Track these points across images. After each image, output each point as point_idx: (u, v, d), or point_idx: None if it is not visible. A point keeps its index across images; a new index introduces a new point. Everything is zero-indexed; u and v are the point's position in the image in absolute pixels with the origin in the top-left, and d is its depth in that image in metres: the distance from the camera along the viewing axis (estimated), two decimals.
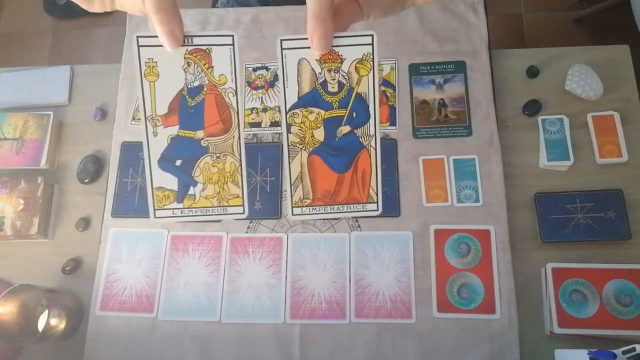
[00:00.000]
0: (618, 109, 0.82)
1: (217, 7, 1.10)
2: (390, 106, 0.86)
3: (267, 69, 0.90)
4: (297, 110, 0.40)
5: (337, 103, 0.40)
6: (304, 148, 0.40)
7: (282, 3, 0.94)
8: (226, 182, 0.41)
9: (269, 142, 0.85)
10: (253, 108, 0.88)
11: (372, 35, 0.39)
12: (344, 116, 0.40)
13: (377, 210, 0.41)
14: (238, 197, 0.41)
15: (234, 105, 0.40)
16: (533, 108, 0.84)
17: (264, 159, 0.84)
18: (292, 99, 0.39)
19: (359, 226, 0.80)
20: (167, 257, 0.80)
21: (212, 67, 0.39)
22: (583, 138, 0.82)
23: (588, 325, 0.69)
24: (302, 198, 0.40)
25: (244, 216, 0.41)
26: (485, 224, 0.78)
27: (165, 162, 0.40)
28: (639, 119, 0.82)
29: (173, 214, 0.41)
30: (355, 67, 0.39)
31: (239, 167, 0.40)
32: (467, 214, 0.79)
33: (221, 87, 0.40)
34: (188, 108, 0.40)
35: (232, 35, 0.40)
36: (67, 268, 0.81)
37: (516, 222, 0.79)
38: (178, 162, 0.40)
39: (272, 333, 0.75)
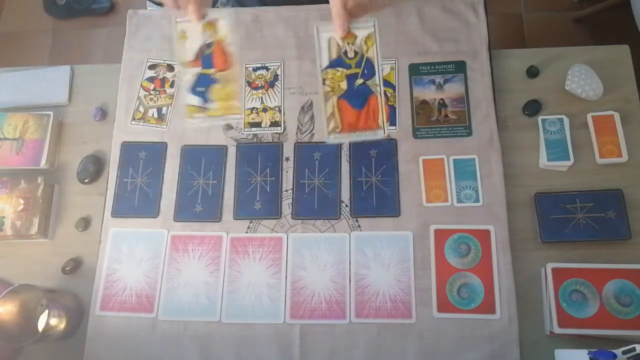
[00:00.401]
0: (618, 109, 0.82)
1: (217, 7, 1.10)
2: (390, 106, 0.86)
3: (267, 69, 0.90)
4: (329, 70, 0.62)
5: (354, 64, 0.62)
6: (334, 94, 0.62)
7: (282, 3, 0.94)
8: (230, 100, 0.65)
9: (269, 142, 0.85)
10: (253, 108, 0.87)
11: (375, 20, 0.61)
12: (359, 73, 0.62)
13: (383, 134, 0.62)
14: (238, 108, 0.65)
15: (233, 52, 0.65)
16: (533, 108, 0.84)
17: (264, 159, 0.84)
18: (325, 63, 0.62)
19: (359, 226, 0.80)
20: (167, 257, 0.80)
21: (218, 31, 0.65)
22: (583, 138, 0.82)
23: (588, 325, 0.69)
24: (334, 128, 0.62)
25: (240, 118, 0.72)
26: (485, 224, 0.78)
27: (194, 89, 0.66)
28: (639, 119, 0.83)
29: (199, 120, 0.66)
30: (365, 41, 0.61)
31: (239, 90, 0.64)
32: (467, 214, 0.79)
33: (224, 42, 0.65)
34: (206, 55, 0.65)
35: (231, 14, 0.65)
36: (67, 268, 0.81)
37: (516, 222, 0.79)
38: (201, 89, 0.65)
39: (272, 333, 0.75)
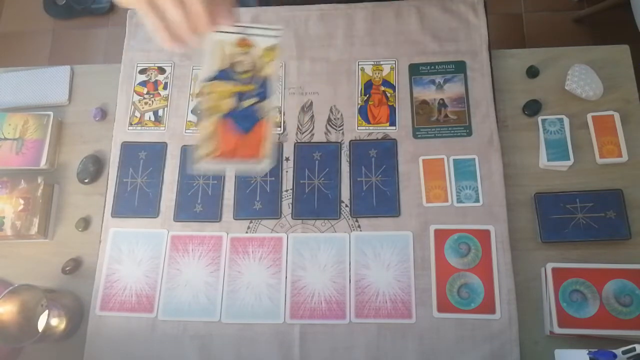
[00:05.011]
0: (618, 109, 0.82)
1: None
2: (390, 106, 0.86)
3: None
4: (214, 82, 0.51)
5: (245, 80, 0.51)
6: (216, 113, 0.51)
7: (282, 3, 0.94)
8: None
9: None
10: None
11: (281, 29, 0.51)
12: (251, 90, 0.52)
13: (267, 167, 0.53)
14: None
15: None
16: (533, 108, 0.84)
17: None
18: (209, 73, 0.51)
19: (359, 226, 0.80)
20: (167, 257, 0.80)
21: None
22: (583, 138, 0.82)
23: (588, 325, 0.69)
24: (210, 151, 0.51)
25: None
26: (485, 224, 0.78)
27: (194, 111, 0.84)
28: (639, 119, 0.82)
29: (193, 131, 0.81)
30: (264, 53, 0.51)
31: None
32: (467, 214, 0.79)
33: None
34: None
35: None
36: (67, 268, 0.81)
37: (516, 222, 0.79)
38: (198, 112, 0.76)
39: (272, 333, 0.75)
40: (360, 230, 0.79)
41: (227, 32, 0.48)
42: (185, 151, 0.86)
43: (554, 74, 0.86)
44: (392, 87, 0.87)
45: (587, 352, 0.62)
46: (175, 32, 0.47)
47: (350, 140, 0.84)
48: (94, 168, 0.86)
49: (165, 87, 0.90)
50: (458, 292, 0.75)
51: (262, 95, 0.51)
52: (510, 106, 0.85)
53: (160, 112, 0.89)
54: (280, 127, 0.86)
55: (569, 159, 0.80)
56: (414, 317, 0.74)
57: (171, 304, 0.78)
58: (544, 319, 0.73)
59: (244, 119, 0.51)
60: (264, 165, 0.52)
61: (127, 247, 0.81)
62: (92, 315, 0.78)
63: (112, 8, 1.98)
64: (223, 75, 0.51)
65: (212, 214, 0.82)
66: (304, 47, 0.90)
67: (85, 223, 0.84)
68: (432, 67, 0.87)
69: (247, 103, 0.51)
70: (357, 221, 0.80)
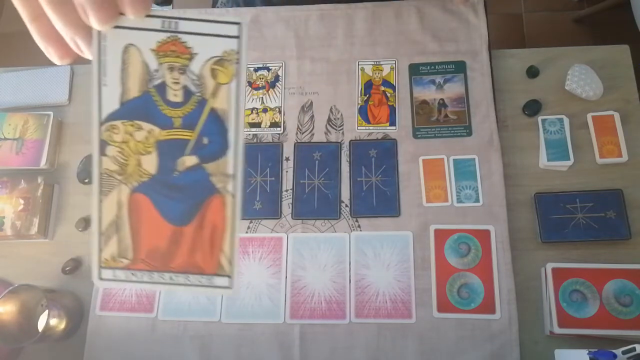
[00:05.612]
0: (618, 109, 0.82)
1: (217, 7, 1.10)
2: (390, 106, 0.86)
3: (268, 69, 0.90)
4: (118, 123, 0.28)
5: (180, 120, 0.28)
6: (125, 181, 0.28)
7: (285, 3, 0.94)
8: None
9: (269, 142, 0.85)
10: (253, 108, 0.88)
11: (240, 24, 0.27)
12: (189, 140, 0.28)
13: (230, 287, 0.30)
14: None
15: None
16: (533, 108, 0.84)
17: (263, 159, 0.84)
18: (112, 104, 0.27)
19: (359, 226, 0.80)
20: None
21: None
22: (583, 138, 0.82)
23: (588, 325, 0.69)
24: (116, 256, 0.29)
25: None
26: (485, 224, 0.78)
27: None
28: (639, 119, 0.82)
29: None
30: (212, 69, 0.27)
31: None
32: (467, 214, 0.79)
33: None
34: None
35: None
36: (67, 268, 0.81)
37: (516, 222, 0.79)
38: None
39: (272, 333, 0.75)
40: (360, 230, 0.79)
41: (143, 30, 0.26)
42: None
43: (554, 74, 0.86)
44: (392, 87, 0.87)
45: (587, 352, 0.62)
46: (51, 30, 0.29)
47: (350, 140, 0.84)
48: None
49: None
50: (458, 292, 0.75)
51: (212, 149, 0.28)
52: (510, 106, 0.85)
53: None
54: (280, 127, 0.86)
55: (569, 159, 0.80)
56: (414, 317, 0.74)
57: (171, 304, 0.78)
58: (544, 319, 0.73)
59: (181, 195, 0.28)
60: (221, 286, 0.30)
61: None
62: (92, 315, 0.78)
63: None
64: (139, 108, 0.27)
65: None
66: (304, 47, 0.90)
67: (85, 223, 0.84)
68: (432, 67, 0.87)
69: (184, 164, 0.28)
70: (357, 221, 0.80)
